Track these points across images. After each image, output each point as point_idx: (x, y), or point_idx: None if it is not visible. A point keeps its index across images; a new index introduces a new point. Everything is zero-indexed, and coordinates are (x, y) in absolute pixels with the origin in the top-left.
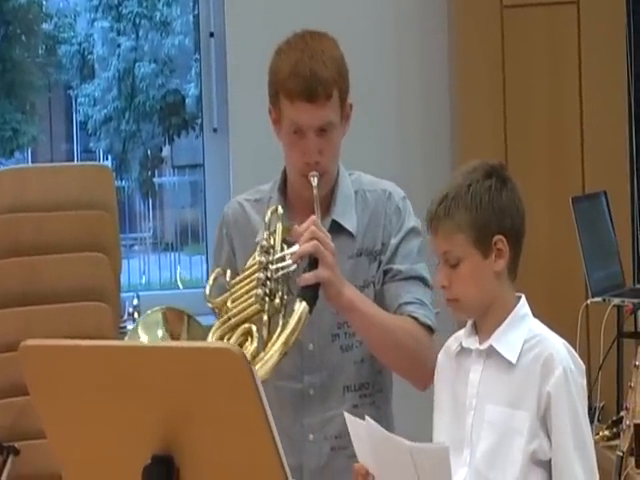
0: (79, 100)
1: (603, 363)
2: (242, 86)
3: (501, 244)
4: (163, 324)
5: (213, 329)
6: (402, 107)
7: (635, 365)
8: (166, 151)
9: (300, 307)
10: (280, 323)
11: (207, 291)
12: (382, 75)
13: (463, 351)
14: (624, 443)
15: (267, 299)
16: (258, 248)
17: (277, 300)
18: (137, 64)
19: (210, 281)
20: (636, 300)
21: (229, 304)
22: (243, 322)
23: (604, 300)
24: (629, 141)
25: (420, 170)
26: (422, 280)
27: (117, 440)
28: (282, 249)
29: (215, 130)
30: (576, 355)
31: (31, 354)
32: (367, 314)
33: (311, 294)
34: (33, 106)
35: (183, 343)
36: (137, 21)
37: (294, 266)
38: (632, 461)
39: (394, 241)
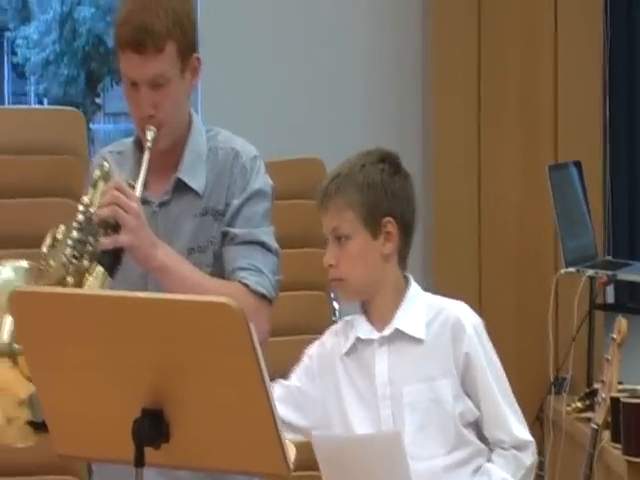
0: (17, 42)
1: (576, 335)
2: None
3: (390, 227)
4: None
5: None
6: (374, 77)
7: (612, 338)
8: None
9: (96, 271)
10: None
11: (44, 249)
12: (354, 54)
13: (357, 345)
14: (599, 416)
15: (74, 260)
16: (79, 207)
17: (85, 261)
18: (77, 8)
19: (47, 239)
20: (610, 272)
21: (51, 262)
22: (56, 283)
23: (578, 271)
24: (602, 112)
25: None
26: (262, 245)
27: (107, 392)
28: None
29: None
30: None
31: (23, 301)
32: (182, 277)
33: (110, 258)
34: None
35: (181, 296)
36: None
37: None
38: (607, 434)
39: (236, 202)
